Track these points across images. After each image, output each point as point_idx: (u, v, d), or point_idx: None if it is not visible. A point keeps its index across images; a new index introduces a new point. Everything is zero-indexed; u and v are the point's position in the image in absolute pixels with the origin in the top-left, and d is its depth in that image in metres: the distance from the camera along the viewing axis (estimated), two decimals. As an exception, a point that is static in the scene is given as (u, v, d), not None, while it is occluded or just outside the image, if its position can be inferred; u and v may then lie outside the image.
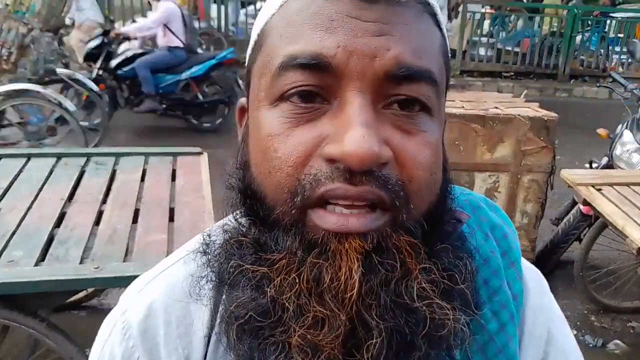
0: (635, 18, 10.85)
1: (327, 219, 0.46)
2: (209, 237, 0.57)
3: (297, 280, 0.47)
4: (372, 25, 0.47)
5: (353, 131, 0.45)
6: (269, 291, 0.47)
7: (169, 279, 0.61)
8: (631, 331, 3.24)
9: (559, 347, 0.63)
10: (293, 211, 0.48)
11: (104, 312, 2.98)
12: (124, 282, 1.76)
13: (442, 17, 0.55)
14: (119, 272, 1.73)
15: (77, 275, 1.72)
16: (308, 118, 0.48)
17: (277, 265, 0.48)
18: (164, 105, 6.26)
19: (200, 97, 6.36)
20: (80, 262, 1.81)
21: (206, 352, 0.56)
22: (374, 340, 0.46)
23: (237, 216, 0.55)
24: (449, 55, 0.56)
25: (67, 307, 2.90)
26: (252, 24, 0.59)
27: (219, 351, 0.56)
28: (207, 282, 0.54)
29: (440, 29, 0.54)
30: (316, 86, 0.48)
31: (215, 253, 0.55)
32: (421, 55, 0.49)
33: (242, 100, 0.61)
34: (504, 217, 0.67)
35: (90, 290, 2.81)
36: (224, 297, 0.54)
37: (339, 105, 0.48)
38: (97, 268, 1.74)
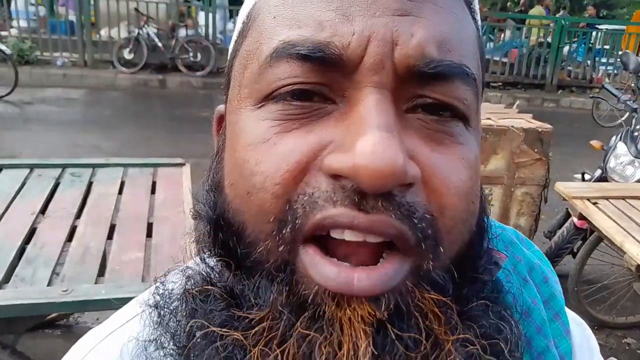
0: (620, 30, 10.98)
1: (324, 270, 0.34)
2: (163, 285, 0.43)
3: (279, 357, 0.34)
4: (394, 2, 0.36)
5: (369, 135, 0.33)
6: None
7: (121, 342, 0.46)
8: (627, 348, 3.16)
9: None
10: (281, 248, 0.35)
11: (79, 331, 2.87)
12: (94, 305, 1.64)
13: (477, 6, 0.44)
14: (89, 295, 1.61)
15: (44, 299, 1.60)
16: (304, 120, 0.36)
17: (256, 329, 0.35)
18: None
19: None
20: (49, 284, 1.69)
21: None
22: None
23: (205, 257, 0.42)
24: (484, 53, 0.44)
25: (39, 326, 2.75)
26: None
27: None
28: (156, 349, 0.40)
29: (475, 20, 0.43)
30: (318, 84, 0.36)
31: (172, 307, 0.41)
32: (454, 46, 0.37)
33: (220, 107, 0.48)
34: (540, 255, 0.54)
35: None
36: None
37: (349, 104, 0.36)
38: (65, 291, 1.62)
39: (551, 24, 10.77)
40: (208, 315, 0.38)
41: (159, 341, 0.41)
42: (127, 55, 9.15)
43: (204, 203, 0.43)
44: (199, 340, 0.37)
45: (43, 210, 2.16)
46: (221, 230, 0.40)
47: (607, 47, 10.87)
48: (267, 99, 0.37)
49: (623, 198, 2.72)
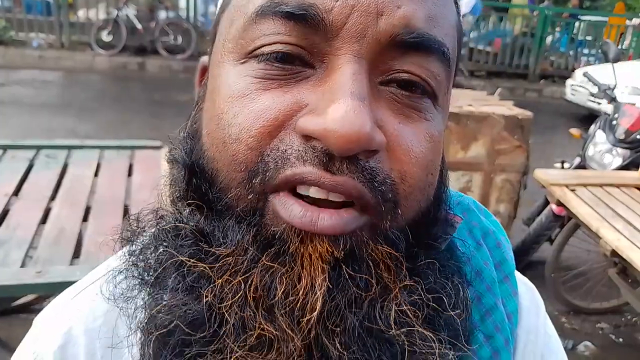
0: (602, 22, 11.10)
1: (291, 208, 0.37)
2: (137, 222, 0.45)
3: (242, 286, 0.36)
4: None
5: (341, 102, 0.35)
6: (206, 295, 0.37)
7: (92, 298, 0.48)
8: (600, 332, 3.23)
9: None
10: (250, 195, 0.38)
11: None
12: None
13: None
14: (64, 277, 1.57)
15: (17, 280, 1.56)
16: (284, 82, 0.39)
17: (222, 262, 0.37)
18: None
19: None
20: (22, 266, 1.65)
21: None
22: None
23: (177, 200, 0.44)
24: (462, 40, 0.46)
25: (14, 311, 2.71)
26: None
27: None
28: (127, 278, 0.42)
29: (456, 5, 0.45)
30: (299, 47, 0.38)
31: (144, 242, 0.43)
32: (436, 23, 0.39)
33: (204, 58, 0.50)
34: (496, 224, 0.58)
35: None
36: (144, 298, 0.42)
37: (327, 70, 0.38)
38: (39, 272, 1.58)
39: (535, 14, 10.84)
40: (177, 248, 0.40)
41: (129, 271, 0.43)
42: (106, 37, 8.96)
43: (180, 149, 0.45)
44: (167, 269, 0.39)
45: (17, 192, 2.11)
46: (195, 175, 0.42)
47: (589, 37, 10.99)
48: (250, 55, 0.39)
49: (600, 185, 2.77)
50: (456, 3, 0.45)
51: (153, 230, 0.44)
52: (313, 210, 0.37)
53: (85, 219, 1.95)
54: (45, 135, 5.15)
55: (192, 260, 0.38)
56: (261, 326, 0.36)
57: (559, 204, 2.71)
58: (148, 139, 2.82)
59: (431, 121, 0.41)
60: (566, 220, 3.17)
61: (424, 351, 0.38)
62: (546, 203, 3.45)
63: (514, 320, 0.53)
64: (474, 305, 0.48)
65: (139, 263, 0.43)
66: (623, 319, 3.37)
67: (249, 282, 0.37)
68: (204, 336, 0.37)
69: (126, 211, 2.02)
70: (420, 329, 0.38)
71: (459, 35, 0.45)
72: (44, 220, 1.92)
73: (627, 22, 11.44)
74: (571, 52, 11.03)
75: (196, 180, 0.42)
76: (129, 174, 2.35)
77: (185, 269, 0.39)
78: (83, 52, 8.99)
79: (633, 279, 2.64)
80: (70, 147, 2.55)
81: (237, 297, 0.37)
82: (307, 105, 0.37)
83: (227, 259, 0.38)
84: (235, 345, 0.36)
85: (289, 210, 0.37)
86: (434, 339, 0.38)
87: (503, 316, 0.51)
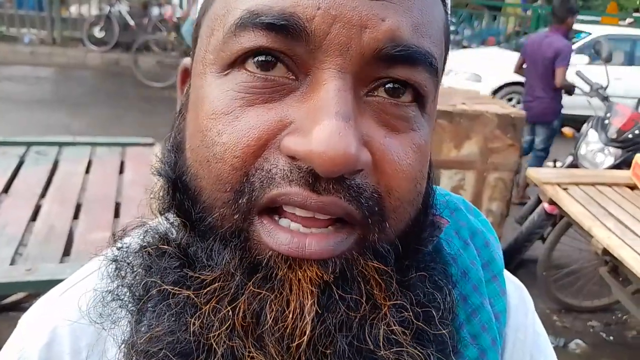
0: (595, 21, 11.16)
1: (278, 236, 0.36)
2: (122, 240, 0.44)
3: (230, 314, 0.36)
4: None
5: (326, 123, 0.34)
6: (193, 323, 0.36)
7: (79, 297, 0.47)
8: (591, 330, 3.25)
9: None
10: (236, 216, 0.37)
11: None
12: (59, 286, 1.59)
13: None
14: (54, 274, 1.56)
15: (6, 278, 1.55)
16: (268, 96, 0.37)
17: (208, 289, 0.37)
18: None
19: None
20: (11, 263, 1.63)
21: None
22: None
23: (166, 213, 0.43)
24: (449, 42, 0.45)
25: (3, 309, 2.68)
26: None
27: None
28: (113, 299, 0.42)
29: (444, 4, 0.43)
30: (282, 53, 0.37)
31: (129, 261, 0.42)
32: (423, 32, 0.38)
33: (186, 60, 0.49)
34: (485, 223, 0.57)
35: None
36: (130, 324, 0.41)
37: (311, 84, 0.37)
38: (29, 270, 1.57)
39: (526, 13, 10.88)
40: (162, 273, 0.39)
41: (115, 292, 0.42)
42: (98, 33, 8.92)
43: (164, 162, 0.44)
44: (153, 295, 0.39)
45: (6, 189, 2.09)
46: (178, 191, 0.41)
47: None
48: (232, 66, 0.38)
49: (592, 184, 2.78)
50: (444, 3, 0.44)
51: (138, 246, 0.43)
52: (300, 236, 0.36)
53: (76, 216, 1.94)
54: (37, 131, 5.11)
55: (176, 288, 0.38)
56: (251, 354, 0.36)
57: (551, 202, 2.72)
58: (140, 135, 2.81)
59: (417, 131, 0.40)
60: (558, 219, 3.19)
61: None
62: (538, 202, 3.46)
63: (502, 319, 0.52)
64: (459, 305, 0.48)
65: (124, 284, 0.42)
66: (613, 317, 3.40)
67: (237, 310, 0.36)
68: None
69: (117, 208, 2.01)
70: (409, 349, 0.38)
71: (446, 36, 0.44)
72: (34, 217, 1.90)
73: (620, 21, 11.51)
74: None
75: (180, 196, 0.41)
76: (121, 171, 2.34)
77: (170, 297, 0.38)
78: (75, 48, 8.93)
79: (624, 277, 2.66)
80: (61, 144, 2.53)
81: (224, 325, 0.36)
82: (291, 123, 0.36)
83: (213, 284, 0.37)
84: None
85: (275, 237, 0.36)
86: (423, 356, 0.38)
87: (490, 316, 0.50)
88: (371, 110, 0.38)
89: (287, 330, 0.35)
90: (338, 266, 0.37)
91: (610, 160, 3.33)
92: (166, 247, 0.40)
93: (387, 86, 0.38)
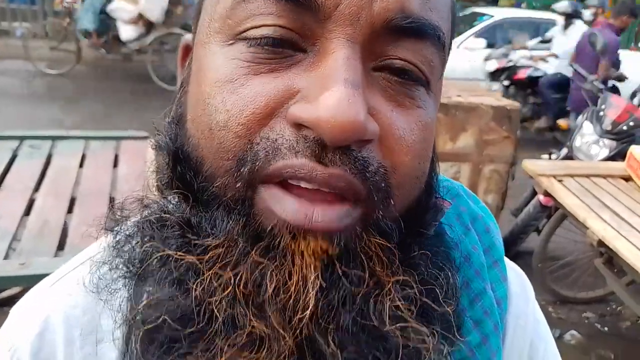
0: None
1: (285, 203, 0.35)
2: (121, 211, 0.43)
3: (232, 281, 0.35)
4: None
5: (335, 90, 0.34)
6: (195, 289, 0.35)
7: (72, 286, 0.47)
8: (585, 321, 3.27)
9: None
10: (238, 184, 0.36)
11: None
12: (53, 280, 1.58)
13: None
14: (48, 268, 1.53)
15: (0, 272, 1.53)
16: (274, 66, 0.37)
17: (210, 254, 0.36)
18: None
19: None
20: (5, 257, 1.62)
21: None
22: None
23: (163, 188, 0.43)
24: (456, 18, 0.45)
25: (-1, 304, 2.67)
26: None
27: None
28: (111, 269, 0.41)
29: None
30: (290, 30, 0.36)
31: (128, 232, 0.41)
32: (432, 6, 0.38)
33: (188, 37, 0.48)
34: (484, 209, 0.57)
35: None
36: (129, 292, 0.41)
37: (319, 54, 0.36)
38: (23, 264, 1.55)
39: (523, 4, 10.86)
40: (164, 240, 0.38)
41: (113, 263, 0.41)
42: (91, 26, 8.80)
43: (164, 134, 0.43)
44: (153, 262, 0.38)
45: (-1, 183, 2.08)
46: (179, 163, 0.41)
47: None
48: (238, 37, 0.37)
49: (587, 176, 2.78)
50: None
51: (137, 219, 0.42)
52: (307, 205, 0.35)
53: (70, 210, 1.93)
54: (30, 125, 5.07)
55: (179, 253, 0.37)
56: (252, 324, 0.35)
57: (547, 194, 2.72)
58: (134, 129, 2.79)
59: (424, 109, 0.40)
60: (553, 211, 3.19)
61: (418, 346, 0.37)
62: (534, 194, 3.47)
63: (503, 305, 0.52)
64: (462, 290, 0.47)
65: (123, 254, 0.41)
66: (608, 308, 3.42)
67: (238, 277, 0.35)
68: (192, 332, 0.36)
69: (112, 202, 1.99)
70: (414, 324, 0.37)
71: (452, 15, 0.43)
72: (27, 211, 1.89)
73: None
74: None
75: (181, 168, 0.41)
76: (115, 164, 2.32)
77: (172, 262, 0.37)
78: (68, 42, 8.84)
79: (619, 268, 2.66)
80: (54, 138, 2.51)
81: (226, 292, 0.35)
82: (298, 92, 0.36)
83: (216, 250, 0.36)
84: (224, 344, 0.35)
85: (282, 205, 0.35)
86: (428, 332, 0.37)
87: (492, 301, 0.50)
88: (378, 85, 0.38)
89: (290, 302, 0.35)
90: (342, 240, 0.36)
91: (605, 152, 3.33)
92: (168, 215, 0.39)
93: (394, 65, 0.38)
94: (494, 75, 6.20)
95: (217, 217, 0.37)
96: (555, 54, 5.86)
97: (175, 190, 0.41)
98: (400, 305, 0.37)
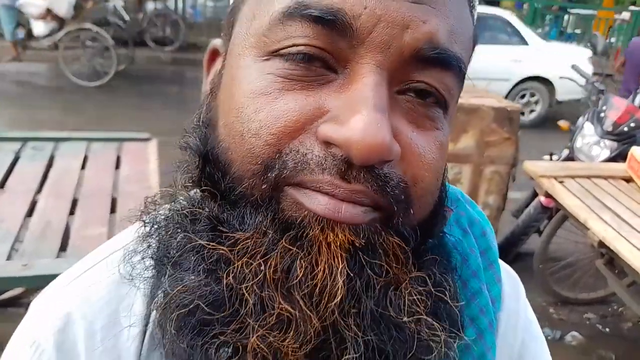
0: (592, 15, 11.17)
1: (316, 197, 0.38)
2: (153, 205, 0.46)
3: (262, 267, 0.37)
4: None
5: (364, 114, 0.37)
6: (226, 277, 0.38)
7: (90, 283, 0.49)
8: (587, 322, 3.27)
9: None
10: (264, 186, 0.39)
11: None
12: (55, 281, 1.59)
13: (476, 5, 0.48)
14: (50, 269, 1.56)
15: (3, 273, 1.55)
16: (307, 84, 0.40)
17: (241, 245, 0.38)
18: None
19: None
20: (8, 258, 1.63)
21: (139, 357, 0.46)
22: (349, 356, 0.38)
23: (190, 187, 0.45)
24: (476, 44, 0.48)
25: (2, 305, 2.68)
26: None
27: (154, 354, 0.46)
28: (142, 259, 0.44)
29: (472, 15, 0.46)
30: (324, 50, 0.39)
31: (160, 225, 0.44)
32: (457, 38, 0.41)
33: (216, 41, 0.51)
34: (481, 214, 0.60)
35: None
36: (163, 279, 0.42)
37: (349, 77, 0.39)
38: (25, 265, 1.57)
39: (524, 7, 10.88)
40: (196, 232, 0.41)
41: (145, 253, 0.44)
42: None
43: (194, 136, 0.46)
44: (187, 252, 0.40)
45: (2, 185, 2.09)
46: (209, 163, 0.43)
47: (578, 30, 11.07)
48: (273, 54, 0.40)
49: (588, 177, 2.79)
50: (471, 7, 0.46)
51: (168, 212, 0.44)
52: (336, 200, 0.38)
53: (72, 211, 1.93)
54: (32, 127, 5.09)
55: (211, 244, 0.39)
56: (281, 306, 0.37)
57: (547, 195, 2.73)
58: (135, 131, 2.80)
59: (441, 130, 0.43)
60: (554, 212, 3.19)
61: (430, 339, 0.40)
62: (534, 195, 3.47)
63: (497, 304, 0.56)
64: (460, 289, 0.50)
65: (155, 244, 0.43)
66: (609, 309, 3.42)
67: (269, 264, 0.37)
68: (224, 316, 0.38)
69: (114, 204, 2.01)
70: (428, 318, 0.40)
71: (474, 43, 0.46)
72: (30, 213, 1.90)
73: (616, 15, 11.50)
74: (560, 45, 11.12)
75: (210, 168, 0.43)
76: (117, 166, 2.33)
77: (205, 252, 0.39)
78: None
79: (620, 269, 2.66)
80: (57, 140, 2.52)
81: (257, 278, 0.37)
82: (328, 112, 0.38)
83: (246, 242, 0.38)
84: (256, 324, 0.37)
85: (313, 199, 0.38)
86: (440, 327, 0.40)
87: (487, 300, 0.53)
88: (400, 107, 0.41)
89: (317, 288, 0.37)
90: (367, 233, 0.39)
91: (606, 153, 3.33)
92: (199, 210, 0.42)
93: (418, 88, 0.41)
94: None
95: (245, 214, 0.39)
96: None
97: (203, 188, 0.43)
98: (416, 300, 0.40)
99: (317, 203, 0.38)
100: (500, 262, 0.59)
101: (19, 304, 2.78)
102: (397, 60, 0.39)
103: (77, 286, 0.50)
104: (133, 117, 6.07)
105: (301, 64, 0.39)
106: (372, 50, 0.38)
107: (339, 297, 0.37)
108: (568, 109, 7.44)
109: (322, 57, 0.39)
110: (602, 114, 3.41)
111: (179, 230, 0.42)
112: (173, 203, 0.45)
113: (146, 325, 0.46)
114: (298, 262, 0.37)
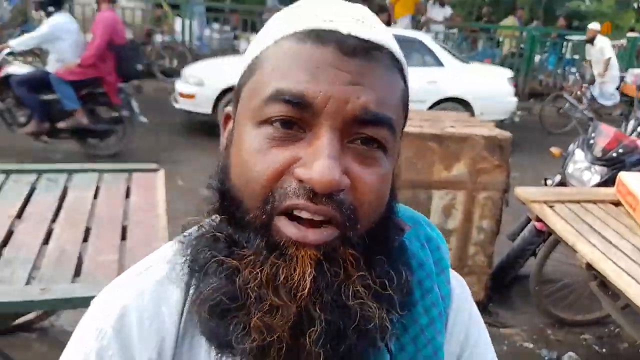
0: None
1: (290, 229, 0.55)
2: (186, 229, 0.65)
3: (259, 275, 0.55)
4: (349, 76, 0.56)
5: (321, 161, 0.53)
6: (238, 281, 0.56)
7: (138, 287, 0.66)
8: (583, 343, 3.33)
9: (472, 349, 0.75)
10: (263, 217, 0.56)
11: (55, 333, 2.90)
12: (71, 303, 1.71)
13: (407, 71, 0.65)
14: (66, 293, 1.68)
15: (23, 297, 1.67)
16: (286, 142, 0.56)
17: (246, 260, 0.56)
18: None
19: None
20: (27, 283, 1.75)
21: (178, 335, 0.63)
22: (316, 328, 0.55)
23: (212, 216, 0.64)
24: (408, 103, 0.66)
25: (16, 329, 2.79)
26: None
27: (188, 332, 0.63)
28: (182, 268, 0.62)
29: (405, 81, 0.63)
30: (296, 118, 0.56)
31: (192, 243, 0.62)
32: (384, 104, 0.58)
33: (228, 109, 0.70)
34: (439, 235, 0.78)
35: (40, 311, 2.71)
36: (194, 281, 0.62)
37: (313, 136, 0.56)
38: (43, 289, 1.69)
39: (523, 34, 11.08)
40: (217, 250, 0.59)
41: (182, 263, 0.62)
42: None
43: (216, 180, 0.64)
44: (211, 264, 0.59)
45: (20, 214, 2.21)
46: (225, 199, 0.61)
47: (576, 56, 11.25)
48: (264, 122, 0.58)
49: (578, 202, 2.87)
50: (404, 79, 0.62)
51: (197, 234, 0.63)
52: (304, 230, 0.55)
53: (85, 239, 2.06)
54: (43, 156, 5.24)
55: (228, 259, 0.57)
56: (271, 299, 0.55)
57: (539, 219, 2.82)
58: (143, 160, 2.94)
59: (382, 166, 0.59)
60: (547, 236, 3.28)
61: (370, 314, 0.56)
62: (529, 219, 3.56)
63: (447, 301, 0.73)
64: (416, 287, 0.68)
65: (189, 258, 0.62)
66: (606, 330, 3.47)
67: (264, 272, 0.55)
68: (237, 306, 0.56)
69: (124, 231, 2.13)
70: (368, 302, 0.57)
71: (404, 102, 0.63)
72: (46, 241, 2.03)
73: (613, 42, 11.68)
74: (559, 71, 11.29)
75: (226, 202, 0.61)
76: (127, 195, 2.46)
77: (224, 264, 0.57)
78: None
79: (613, 291, 2.73)
80: (70, 171, 2.66)
81: (256, 281, 0.55)
82: (300, 159, 0.56)
83: (250, 257, 0.56)
84: (256, 311, 0.55)
85: (289, 229, 0.55)
86: (377, 307, 0.57)
87: (437, 296, 0.71)
88: (351, 152, 0.57)
89: (294, 285, 0.54)
90: (326, 249, 0.56)
91: (597, 178, 3.44)
92: (219, 234, 0.61)
93: (361, 138, 0.58)
94: None
95: (250, 237, 0.57)
96: None
97: (222, 217, 0.62)
98: (360, 290, 0.57)
99: (292, 232, 0.55)
100: (452, 271, 0.77)
101: (33, 329, 2.90)
102: (344, 123, 0.56)
103: (131, 285, 0.66)
104: (141, 147, 6.24)
105: (281, 129, 0.57)
106: (326, 118, 0.55)
107: (307, 291, 0.54)
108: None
109: (295, 123, 0.57)
110: (592, 141, 3.53)
111: (206, 248, 0.60)
112: (200, 226, 0.63)
113: (181, 313, 0.64)
114: (281, 270, 0.55)
